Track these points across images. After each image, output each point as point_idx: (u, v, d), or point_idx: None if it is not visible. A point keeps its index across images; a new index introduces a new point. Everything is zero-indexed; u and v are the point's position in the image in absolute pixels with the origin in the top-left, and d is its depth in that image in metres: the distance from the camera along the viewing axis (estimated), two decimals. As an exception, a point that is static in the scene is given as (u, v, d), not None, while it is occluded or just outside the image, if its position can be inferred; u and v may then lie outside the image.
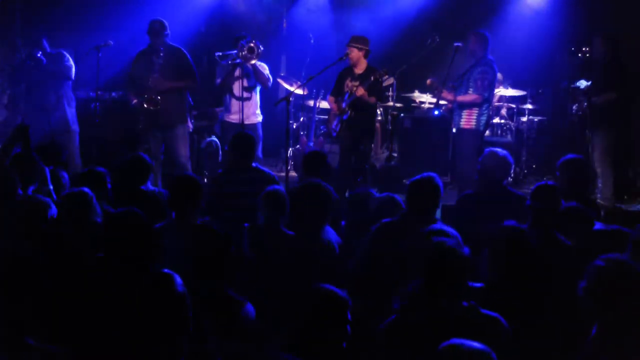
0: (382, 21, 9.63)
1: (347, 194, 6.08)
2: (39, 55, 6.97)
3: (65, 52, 7.12)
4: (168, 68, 6.89)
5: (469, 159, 6.50)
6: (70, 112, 7.27)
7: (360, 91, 6.76)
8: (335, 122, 7.21)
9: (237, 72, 7.23)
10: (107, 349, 2.81)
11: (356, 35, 7.10)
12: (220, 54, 7.40)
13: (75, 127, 7.31)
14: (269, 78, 7.27)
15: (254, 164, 5.35)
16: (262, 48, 7.12)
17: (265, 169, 5.65)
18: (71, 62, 7.17)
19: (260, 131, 7.39)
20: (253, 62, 7.09)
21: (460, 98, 6.87)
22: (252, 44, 7.04)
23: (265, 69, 7.31)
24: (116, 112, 8.00)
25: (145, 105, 6.79)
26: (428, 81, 7.15)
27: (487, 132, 7.50)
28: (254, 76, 7.21)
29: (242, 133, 5.72)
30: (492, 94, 6.92)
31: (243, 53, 7.04)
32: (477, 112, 6.83)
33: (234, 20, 9.63)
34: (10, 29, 8.53)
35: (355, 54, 6.94)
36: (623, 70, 7.04)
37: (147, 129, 6.94)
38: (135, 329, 2.53)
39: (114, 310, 2.86)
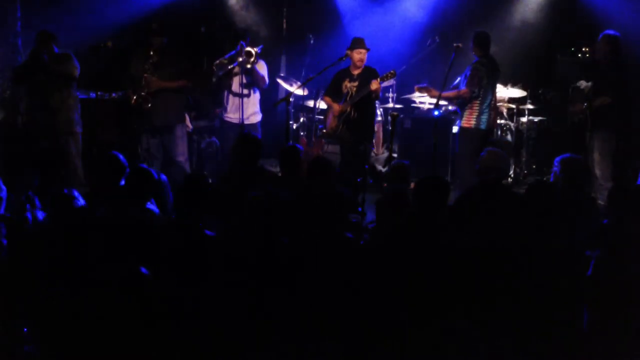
0: (382, 21, 9.63)
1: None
2: (44, 55, 6.80)
3: (71, 53, 7.02)
4: (164, 68, 6.88)
5: (469, 159, 6.49)
6: (75, 113, 7.07)
7: (375, 84, 6.77)
8: (330, 121, 7.19)
9: (236, 69, 7.18)
10: None
11: (358, 38, 7.11)
12: (217, 62, 7.30)
13: (78, 128, 7.11)
14: (264, 78, 7.22)
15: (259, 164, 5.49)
16: (259, 51, 7.11)
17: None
18: (76, 62, 7.01)
19: (259, 130, 7.35)
20: (249, 66, 7.07)
21: (452, 94, 6.94)
22: (249, 48, 7.03)
23: (263, 67, 7.27)
24: (116, 113, 7.98)
25: (137, 103, 6.79)
26: (415, 88, 7.31)
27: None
28: (250, 76, 7.18)
29: (247, 136, 5.74)
30: (487, 93, 6.90)
31: (240, 59, 7.01)
32: (477, 111, 6.84)
33: (234, 21, 9.62)
34: (10, 29, 8.52)
35: (364, 56, 7.00)
36: (624, 71, 7.02)
37: (146, 130, 6.92)
38: None
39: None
